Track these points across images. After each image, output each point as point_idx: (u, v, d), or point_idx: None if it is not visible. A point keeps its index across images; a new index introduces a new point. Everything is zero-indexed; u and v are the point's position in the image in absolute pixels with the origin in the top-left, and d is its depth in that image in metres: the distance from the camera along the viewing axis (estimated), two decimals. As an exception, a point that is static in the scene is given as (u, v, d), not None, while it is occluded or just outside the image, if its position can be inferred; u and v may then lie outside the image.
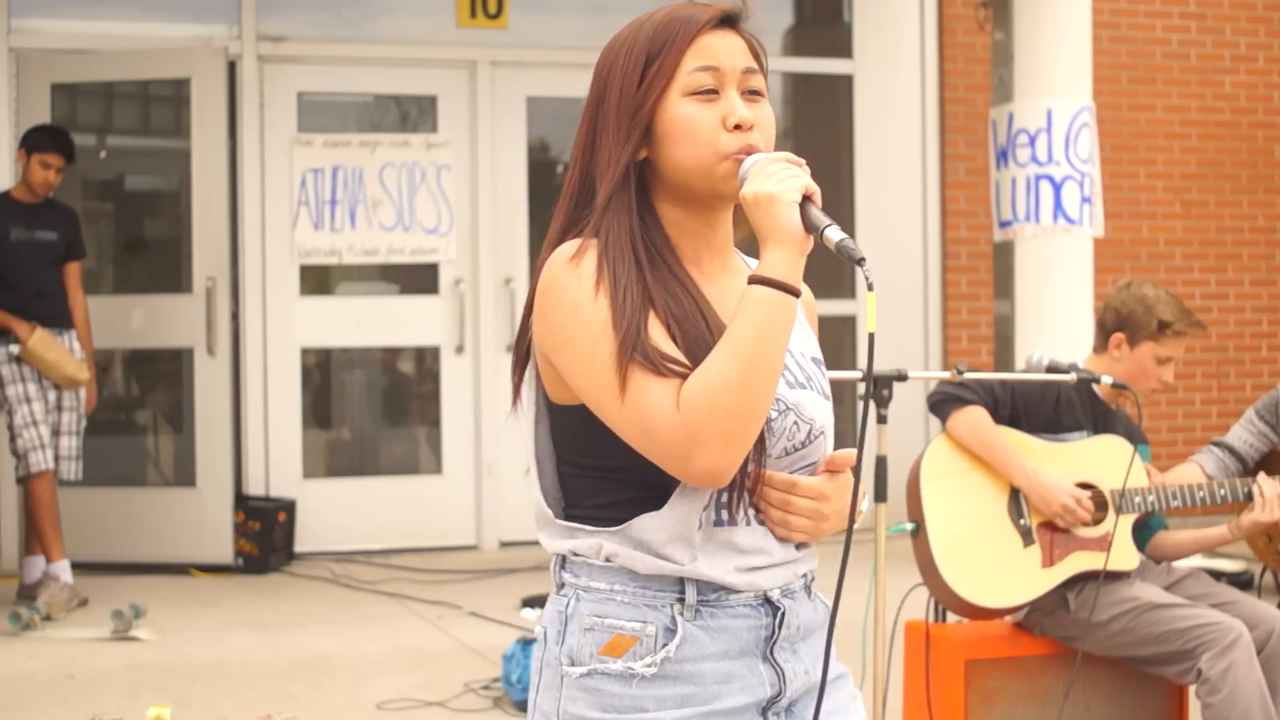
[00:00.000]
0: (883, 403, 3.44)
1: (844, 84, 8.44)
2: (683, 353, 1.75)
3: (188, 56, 7.31)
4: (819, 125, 8.94)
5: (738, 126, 1.82)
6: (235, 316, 7.47)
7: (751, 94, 1.86)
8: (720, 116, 1.82)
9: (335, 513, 7.58)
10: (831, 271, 8.52)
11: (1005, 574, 3.78)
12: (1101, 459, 3.87)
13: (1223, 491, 3.92)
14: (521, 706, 4.78)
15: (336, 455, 8.06)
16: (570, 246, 1.81)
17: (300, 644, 5.68)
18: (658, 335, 1.75)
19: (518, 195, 7.90)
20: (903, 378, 3.48)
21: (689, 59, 1.83)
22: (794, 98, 8.98)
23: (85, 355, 6.56)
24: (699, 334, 1.77)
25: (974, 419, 3.82)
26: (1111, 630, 3.76)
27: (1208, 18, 8.83)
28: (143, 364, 7.84)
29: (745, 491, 1.80)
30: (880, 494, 3.50)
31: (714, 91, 1.83)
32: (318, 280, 7.82)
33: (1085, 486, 3.86)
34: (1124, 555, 3.81)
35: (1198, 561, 4.67)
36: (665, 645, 1.79)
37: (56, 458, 6.39)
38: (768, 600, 1.85)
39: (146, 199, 8.66)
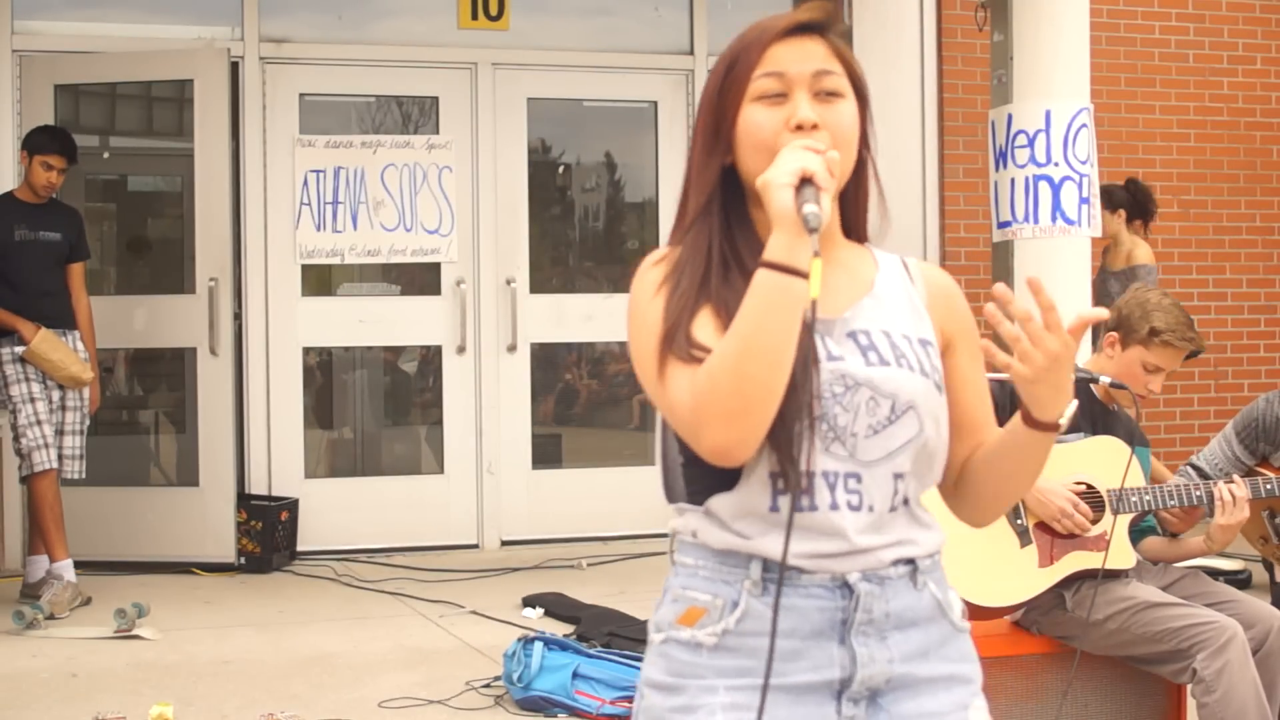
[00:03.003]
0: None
1: (844, 85, 8.46)
2: None
3: (190, 58, 7.33)
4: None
5: (799, 126, 1.87)
6: (238, 316, 7.50)
7: (827, 95, 1.90)
8: (784, 118, 1.88)
9: (337, 512, 7.60)
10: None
11: (1002, 573, 3.79)
12: (1099, 459, 3.89)
13: (1216, 492, 3.94)
14: (523, 705, 4.80)
15: (338, 455, 8.09)
16: (654, 254, 1.92)
17: (302, 643, 5.70)
18: (705, 326, 1.83)
19: (519, 196, 7.93)
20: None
21: (759, 67, 1.89)
22: (794, 99, 9.00)
23: (89, 355, 6.58)
24: None
25: None
26: (1108, 629, 3.77)
27: (1206, 20, 8.85)
28: (146, 364, 7.87)
29: (810, 475, 1.82)
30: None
31: (782, 95, 1.89)
32: (320, 280, 7.85)
33: (1080, 485, 3.88)
34: (1121, 555, 3.83)
35: (1196, 560, 4.69)
36: (728, 617, 1.85)
37: (60, 457, 6.41)
38: (845, 583, 1.86)
39: (149, 199, 8.69)
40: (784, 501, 1.82)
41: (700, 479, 1.88)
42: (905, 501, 1.90)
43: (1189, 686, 3.73)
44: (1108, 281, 7.49)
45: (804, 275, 1.74)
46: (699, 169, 1.93)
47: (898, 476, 1.87)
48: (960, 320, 2.03)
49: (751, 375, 1.73)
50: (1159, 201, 8.76)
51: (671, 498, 1.96)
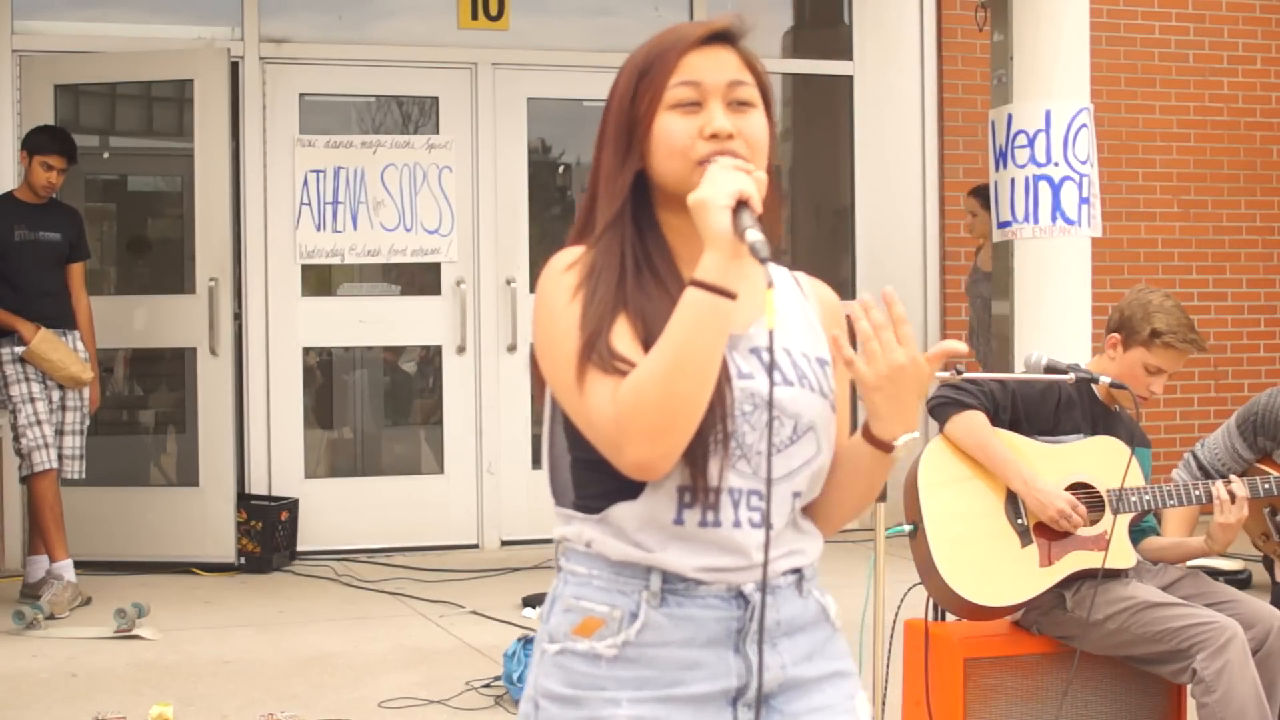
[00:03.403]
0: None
1: (844, 85, 8.47)
2: (646, 351, 1.82)
3: (190, 58, 7.33)
4: (819, 126, 8.96)
5: (714, 135, 1.90)
6: (238, 316, 7.49)
7: (739, 105, 1.93)
8: (698, 127, 1.90)
9: (337, 512, 7.60)
10: (833, 272, 8.54)
11: (1003, 573, 3.79)
12: (1098, 459, 3.89)
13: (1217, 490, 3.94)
14: (523, 705, 4.80)
15: (338, 455, 8.09)
16: (562, 254, 1.92)
17: (302, 643, 5.70)
18: (622, 335, 1.84)
19: (519, 196, 7.93)
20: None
21: (675, 75, 1.92)
22: (794, 99, 9.00)
23: (89, 355, 6.58)
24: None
25: (972, 423, 3.84)
26: (1107, 629, 3.77)
27: (1206, 20, 8.85)
28: (146, 364, 7.86)
29: (717, 492, 1.85)
30: (880, 493, 3.51)
31: (696, 104, 1.92)
32: (320, 280, 7.85)
33: (1082, 486, 3.88)
34: (1121, 554, 3.83)
35: (1196, 560, 4.68)
36: (627, 628, 1.87)
37: (60, 457, 6.41)
38: (740, 593, 1.89)
39: (149, 200, 8.69)
40: (690, 515, 1.85)
41: (597, 484, 1.89)
42: (795, 516, 1.95)
43: (1189, 687, 3.73)
44: (978, 282, 7.33)
45: (733, 296, 1.78)
46: (611, 173, 1.95)
47: (795, 495, 1.92)
48: (845, 336, 2.06)
49: (679, 393, 1.76)
50: (1159, 201, 8.78)
51: (560, 501, 1.98)
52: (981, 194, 7.23)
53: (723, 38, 1.96)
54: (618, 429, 1.78)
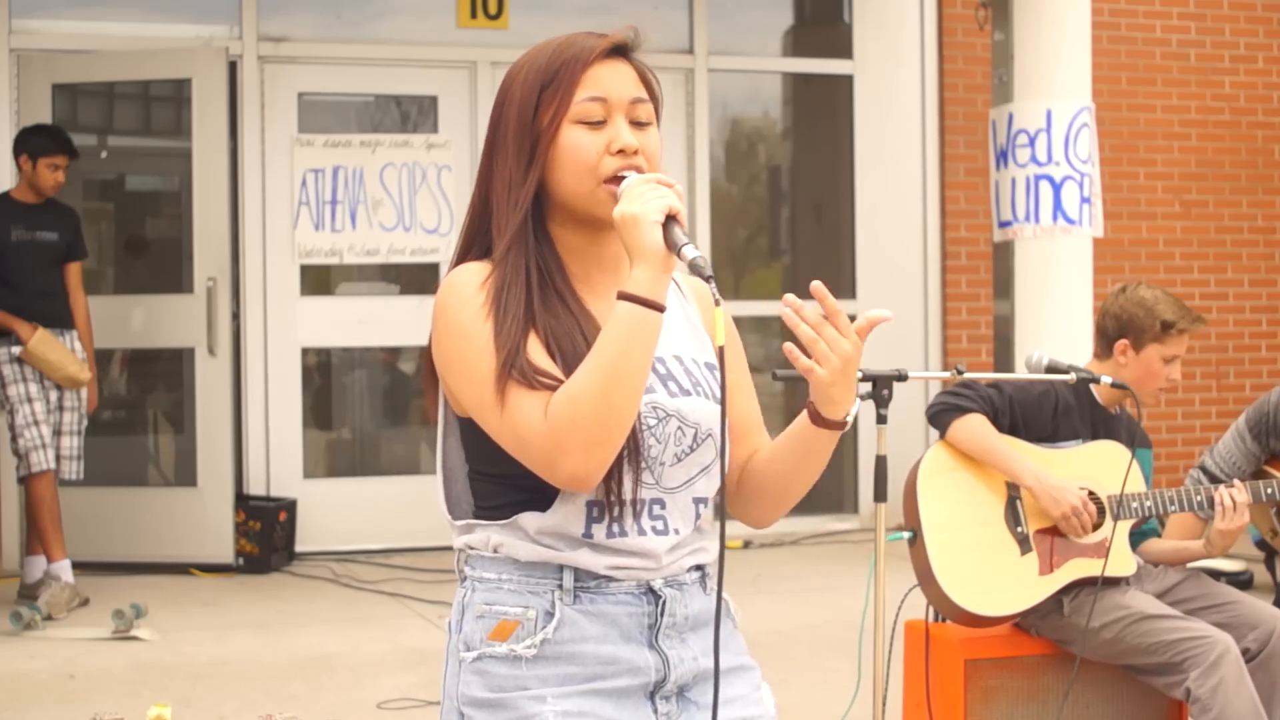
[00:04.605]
0: (883, 403, 3.44)
1: (844, 84, 8.45)
2: (561, 368, 1.86)
3: (189, 57, 7.32)
4: (819, 125, 8.95)
5: (621, 151, 1.91)
6: (236, 316, 7.48)
7: (638, 123, 1.95)
8: (605, 142, 1.92)
9: (336, 512, 7.59)
10: (833, 272, 8.52)
11: (1002, 582, 3.78)
12: (1099, 465, 3.87)
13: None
14: (522, 706, 4.79)
15: (337, 455, 8.07)
16: (462, 271, 1.93)
17: (301, 643, 5.69)
18: (537, 352, 1.87)
19: (518, 195, 7.90)
20: (902, 378, 3.48)
21: (580, 89, 1.93)
22: (794, 98, 8.99)
23: (86, 355, 6.57)
24: (576, 349, 1.87)
25: (975, 426, 3.82)
26: (1103, 638, 3.76)
27: (1207, 18, 8.84)
28: (144, 364, 7.85)
29: (627, 504, 1.89)
30: (880, 494, 3.50)
31: (601, 119, 1.93)
32: (318, 280, 7.83)
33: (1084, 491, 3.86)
34: (1121, 561, 3.81)
35: (1197, 561, 4.67)
36: (544, 628, 1.90)
37: (58, 457, 6.40)
38: (650, 589, 1.93)
39: (147, 199, 8.67)
40: (598, 529, 1.89)
41: (498, 496, 1.93)
42: (698, 519, 1.99)
43: (1187, 705, 3.71)
44: None
45: (664, 309, 1.81)
46: (511, 184, 1.94)
47: (697, 501, 1.96)
48: (727, 331, 2.06)
49: (615, 405, 1.79)
50: (1161, 201, 8.76)
51: (457, 513, 2.01)
52: None
53: (622, 51, 1.98)
54: (553, 443, 1.80)
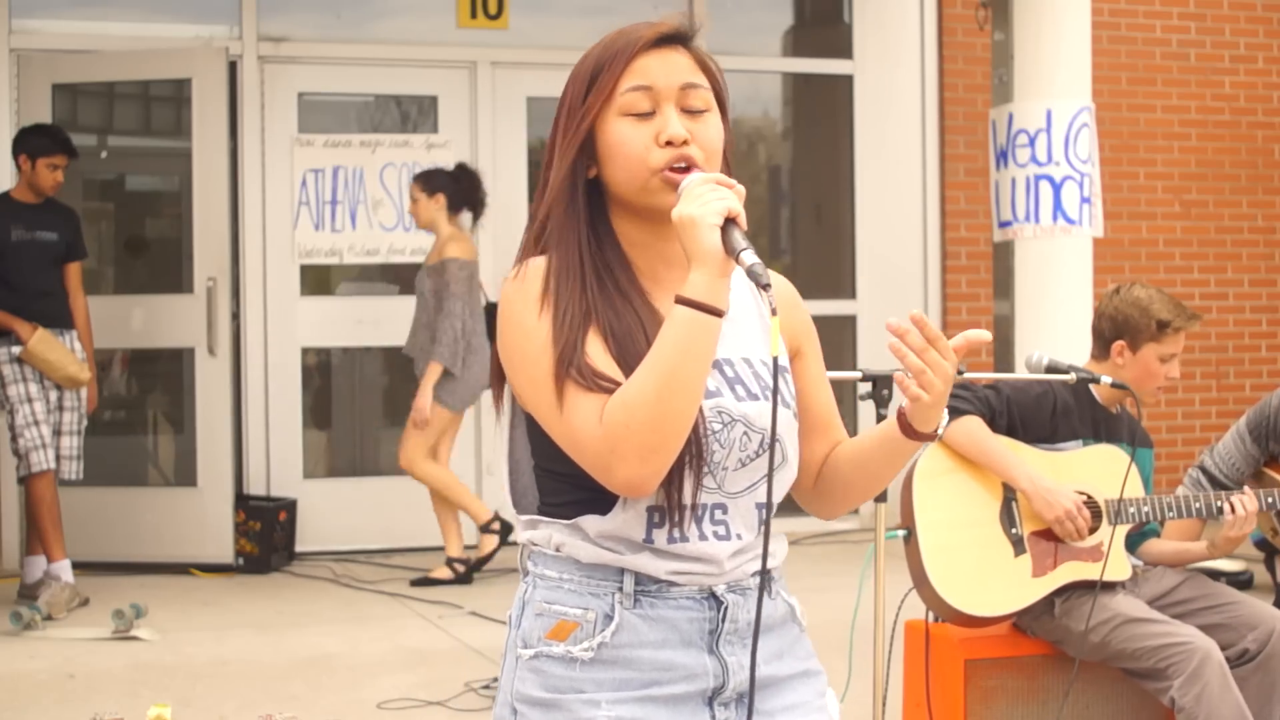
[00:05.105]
0: (883, 403, 3.45)
1: (844, 84, 8.45)
2: (620, 367, 1.82)
3: (189, 57, 7.31)
4: (819, 125, 8.95)
5: (669, 142, 1.87)
6: (236, 316, 7.48)
7: (692, 111, 1.90)
8: (653, 133, 1.88)
9: (336, 512, 7.59)
10: (833, 272, 8.53)
11: (995, 583, 3.78)
12: (1097, 469, 3.87)
13: (1219, 504, 3.93)
14: (522, 706, 4.79)
15: (337, 455, 8.07)
16: (524, 267, 1.90)
17: (301, 643, 5.68)
18: (596, 352, 1.83)
19: (518, 195, 7.91)
20: (902, 378, 3.48)
21: (625, 79, 1.89)
22: (794, 98, 8.99)
23: (86, 355, 6.57)
24: (636, 351, 1.84)
25: (971, 428, 3.82)
26: (1092, 641, 3.76)
27: (1207, 18, 8.83)
28: (144, 364, 7.85)
29: (687, 509, 1.86)
30: (880, 494, 3.50)
31: (649, 110, 1.89)
32: (318, 280, 7.83)
33: (1079, 495, 3.86)
34: (1117, 566, 3.81)
35: (1198, 562, 4.68)
36: (602, 631, 1.87)
37: (58, 457, 6.40)
38: (712, 594, 1.90)
39: (147, 199, 8.67)
40: (658, 534, 1.86)
41: (563, 493, 1.91)
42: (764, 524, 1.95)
43: (1174, 713, 3.71)
44: (422, 280, 6.76)
45: (722, 314, 1.78)
46: (562, 179, 1.91)
47: (759, 505, 1.92)
48: (804, 324, 2.07)
49: (671, 411, 1.76)
50: (1161, 201, 8.76)
51: (522, 508, 1.99)
52: (424, 179, 6.77)
53: (674, 39, 1.93)
54: (607, 448, 1.77)
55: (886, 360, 3.94)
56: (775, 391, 1.79)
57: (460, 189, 6.75)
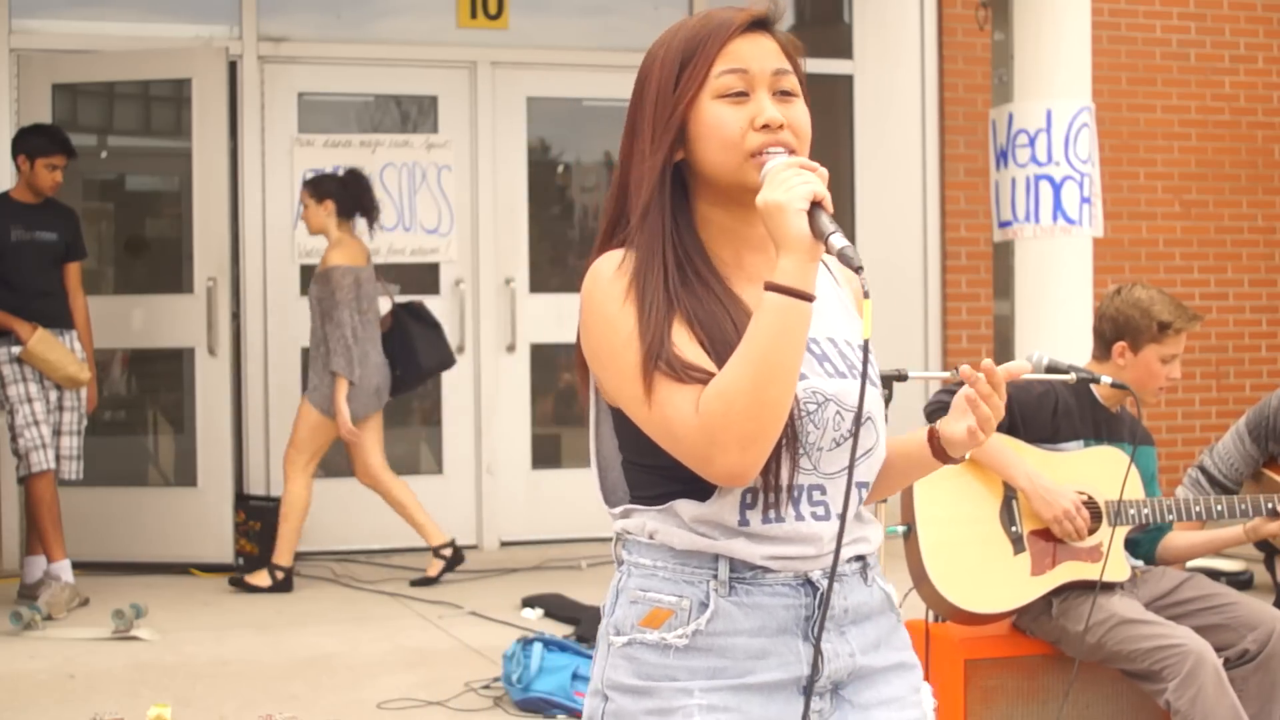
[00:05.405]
0: (885, 402, 3.44)
1: (844, 84, 8.45)
2: (710, 355, 1.82)
3: (189, 57, 7.31)
4: (819, 125, 8.74)
5: (765, 126, 1.87)
6: (236, 316, 7.48)
7: (784, 94, 1.91)
8: (749, 117, 1.88)
9: (336, 512, 7.58)
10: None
11: (993, 580, 3.78)
12: (1098, 469, 3.87)
13: (1219, 507, 3.93)
14: (522, 706, 4.79)
15: (337, 455, 8.06)
16: (606, 258, 1.90)
17: (301, 643, 5.68)
18: (683, 342, 1.83)
19: (518, 195, 7.91)
20: (903, 378, 3.49)
21: (720, 63, 1.89)
22: (794, 98, 8.98)
23: (86, 355, 6.56)
24: (724, 339, 1.83)
25: None
26: (1088, 642, 3.76)
27: (1207, 18, 8.83)
28: (143, 364, 7.84)
29: (784, 491, 1.85)
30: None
31: (743, 94, 1.89)
32: (318, 280, 7.81)
33: (1079, 496, 3.86)
34: (1116, 567, 3.81)
35: (1197, 562, 4.67)
36: (697, 618, 1.86)
37: (57, 457, 6.39)
38: (808, 581, 1.89)
39: (147, 199, 8.67)
40: (753, 516, 1.85)
41: (656, 484, 1.90)
42: (859, 504, 1.95)
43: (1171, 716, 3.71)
44: (311, 288, 6.67)
45: (813, 299, 1.77)
46: (643, 163, 1.90)
47: (858, 485, 1.91)
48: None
49: (768, 399, 1.76)
50: (1161, 201, 8.75)
51: (613, 501, 1.98)
52: (313, 185, 6.70)
53: (762, 24, 1.93)
54: (706, 439, 1.76)
55: (888, 360, 3.94)
56: (864, 375, 1.79)
57: (348, 194, 6.67)
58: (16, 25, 7.39)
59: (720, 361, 1.80)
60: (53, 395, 6.42)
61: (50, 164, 6.43)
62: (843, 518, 1.82)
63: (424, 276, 7.83)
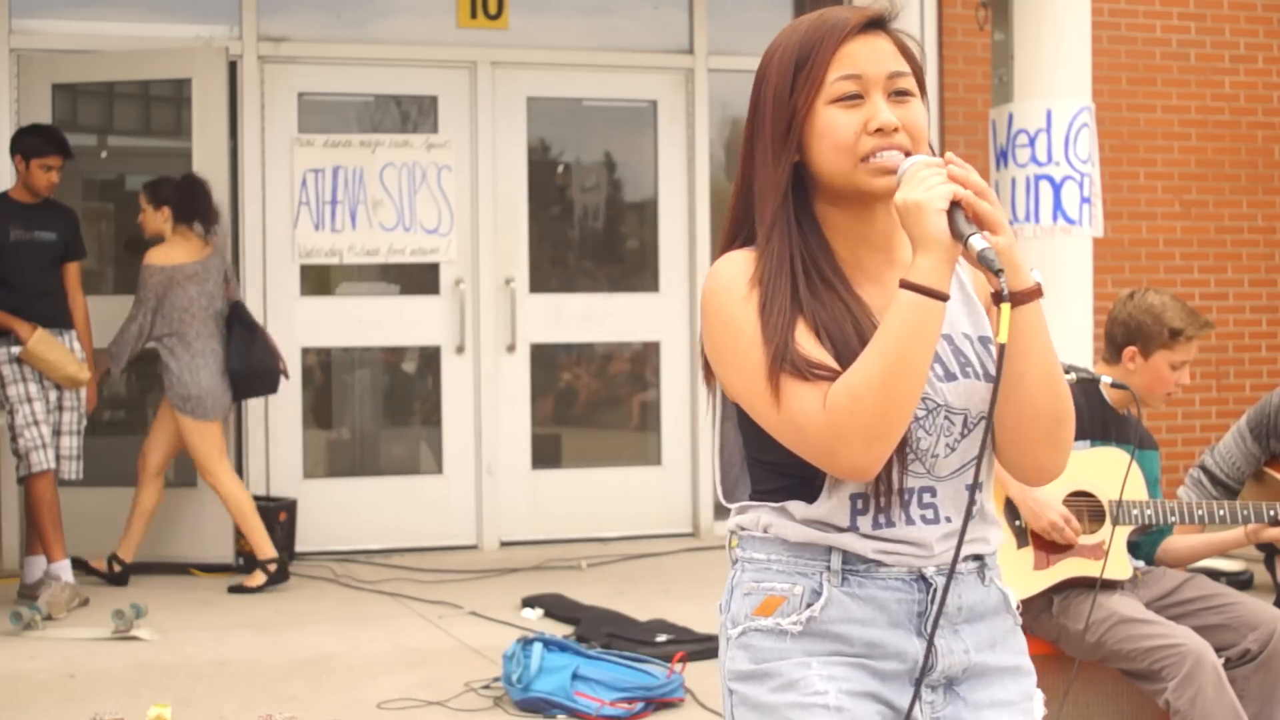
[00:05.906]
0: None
1: (844, 84, 8.44)
2: (832, 356, 1.83)
3: (188, 57, 7.31)
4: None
5: (879, 130, 1.88)
6: (236, 316, 7.46)
7: (900, 95, 1.91)
8: (863, 121, 1.88)
9: (336, 512, 7.58)
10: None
11: None
12: (1101, 469, 3.87)
13: (1222, 511, 3.93)
14: (522, 706, 4.79)
15: (337, 455, 8.07)
16: (727, 260, 1.91)
17: (301, 643, 5.68)
18: (806, 341, 1.84)
19: (518, 195, 7.91)
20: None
21: (834, 67, 1.89)
22: (794, 98, 8.98)
23: (85, 355, 6.56)
24: (846, 338, 1.84)
25: None
26: (1088, 641, 3.76)
27: (1207, 18, 8.83)
28: (143, 364, 7.84)
29: (894, 495, 1.86)
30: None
31: (858, 97, 1.89)
32: (318, 280, 7.83)
33: (1082, 495, 3.86)
34: (1117, 566, 3.81)
35: (1195, 563, 4.67)
36: (810, 605, 1.88)
37: (57, 457, 6.39)
38: (921, 576, 1.90)
39: (147, 199, 8.65)
40: (863, 520, 1.86)
41: (771, 480, 1.92)
42: (978, 506, 1.93)
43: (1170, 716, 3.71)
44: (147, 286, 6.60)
45: (947, 298, 1.78)
46: (768, 167, 1.91)
47: (970, 487, 1.90)
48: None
49: (897, 396, 1.77)
50: (1161, 201, 8.75)
51: (731, 498, 2.00)
52: (151, 190, 6.72)
53: (877, 24, 1.93)
54: (833, 434, 1.77)
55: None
56: (997, 380, 1.78)
57: (183, 199, 6.71)
58: (16, 25, 7.39)
59: (842, 361, 1.81)
60: (52, 395, 6.42)
61: (45, 164, 6.42)
62: (966, 514, 1.83)
63: (424, 276, 7.83)
